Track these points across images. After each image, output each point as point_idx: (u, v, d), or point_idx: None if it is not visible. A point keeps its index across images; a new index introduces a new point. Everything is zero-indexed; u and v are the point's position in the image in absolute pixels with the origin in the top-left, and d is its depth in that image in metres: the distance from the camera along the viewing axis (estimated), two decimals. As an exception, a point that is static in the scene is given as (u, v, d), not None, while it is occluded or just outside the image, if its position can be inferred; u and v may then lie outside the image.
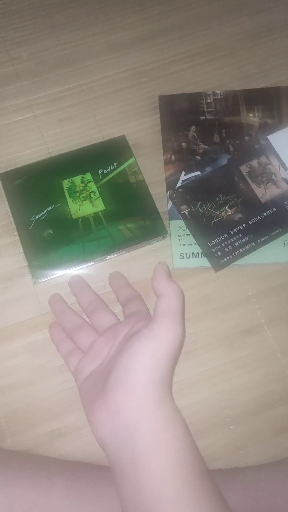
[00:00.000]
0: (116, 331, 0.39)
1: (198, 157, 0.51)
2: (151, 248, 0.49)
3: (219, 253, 0.47)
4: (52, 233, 0.47)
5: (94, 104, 0.55)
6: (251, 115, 0.53)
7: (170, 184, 0.50)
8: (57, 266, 0.46)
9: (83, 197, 0.49)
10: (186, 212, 0.48)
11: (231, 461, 0.42)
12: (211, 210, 0.48)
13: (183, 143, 0.52)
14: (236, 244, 0.47)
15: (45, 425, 0.42)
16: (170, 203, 0.49)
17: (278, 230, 0.48)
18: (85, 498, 0.35)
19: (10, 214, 0.49)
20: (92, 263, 0.47)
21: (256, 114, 0.53)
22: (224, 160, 0.51)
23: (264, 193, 0.49)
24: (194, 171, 0.51)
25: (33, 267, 0.46)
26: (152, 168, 0.51)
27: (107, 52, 0.58)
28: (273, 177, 0.50)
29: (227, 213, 0.48)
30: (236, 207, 0.48)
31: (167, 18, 0.60)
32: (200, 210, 0.48)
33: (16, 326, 0.45)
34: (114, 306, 0.45)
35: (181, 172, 0.51)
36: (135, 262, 0.48)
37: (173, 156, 0.51)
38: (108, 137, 0.52)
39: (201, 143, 0.52)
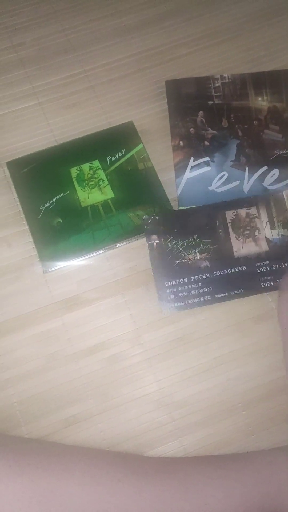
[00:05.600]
0: None
1: (206, 143, 0.51)
2: (160, 235, 0.48)
3: (172, 296, 0.45)
4: (61, 222, 0.47)
5: (99, 90, 0.54)
6: (259, 99, 0.53)
7: (179, 171, 0.50)
8: (67, 255, 0.46)
9: (92, 184, 0.48)
10: (155, 243, 0.46)
11: (243, 445, 0.42)
12: (180, 249, 0.45)
13: (191, 129, 0.51)
14: (193, 292, 0.45)
15: (59, 413, 0.43)
16: (180, 189, 0.49)
17: (239, 291, 0.45)
18: (102, 484, 0.35)
19: (18, 203, 0.48)
20: (101, 251, 0.47)
21: (265, 97, 0.52)
22: (233, 146, 0.51)
23: (241, 247, 0.46)
24: (203, 157, 0.50)
25: (43, 257, 0.46)
26: (161, 155, 0.51)
27: (111, 37, 0.57)
28: (256, 233, 0.47)
29: (195, 257, 0.45)
30: (206, 253, 0.46)
31: (172, 0, 0.59)
32: (169, 246, 0.46)
33: (27, 316, 0.45)
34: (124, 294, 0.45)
35: (190, 158, 0.50)
36: (145, 250, 0.48)
37: (181, 142, 0.51)
38: (115, 124, 0.52)
39: (210, 128, 0.51)
